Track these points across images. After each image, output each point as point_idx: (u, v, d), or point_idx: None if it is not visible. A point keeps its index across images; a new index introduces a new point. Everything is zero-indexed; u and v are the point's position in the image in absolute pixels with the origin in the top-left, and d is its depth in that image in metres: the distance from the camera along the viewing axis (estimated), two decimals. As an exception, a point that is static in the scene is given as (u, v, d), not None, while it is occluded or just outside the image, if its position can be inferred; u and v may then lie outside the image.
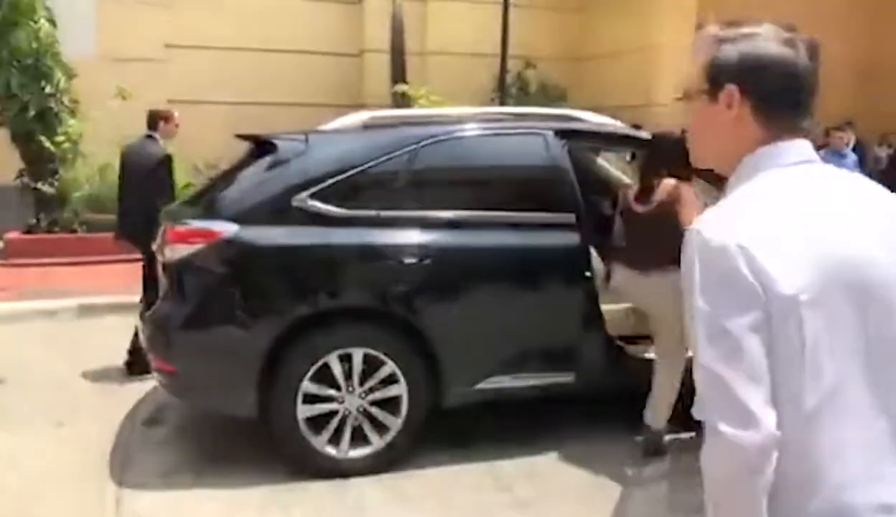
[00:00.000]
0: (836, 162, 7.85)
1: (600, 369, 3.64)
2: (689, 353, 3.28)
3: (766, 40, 1.13)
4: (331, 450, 3.36)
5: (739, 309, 1.01)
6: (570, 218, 3.60)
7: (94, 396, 4.35)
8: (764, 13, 1.23)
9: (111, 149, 6.49)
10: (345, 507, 3.13)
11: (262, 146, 3.64)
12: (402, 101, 8.88)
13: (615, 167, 4.90)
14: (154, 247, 3.69)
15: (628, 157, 4.83)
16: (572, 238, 3.58)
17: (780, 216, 1.05)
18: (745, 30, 1.14)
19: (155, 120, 4.83)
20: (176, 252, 3.28)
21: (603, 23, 11.14)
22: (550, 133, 3.68)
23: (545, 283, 3.59)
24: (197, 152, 9.16)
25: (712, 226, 1.06)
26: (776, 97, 1.13)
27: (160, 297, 3.44)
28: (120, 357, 4.66)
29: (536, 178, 3.70)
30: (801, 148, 1.14)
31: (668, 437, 3.56)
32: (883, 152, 11.31)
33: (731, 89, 1.13)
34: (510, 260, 3.57)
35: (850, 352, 1.03)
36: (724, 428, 1.00)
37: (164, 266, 3.39)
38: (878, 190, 1.16)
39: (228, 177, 3.67)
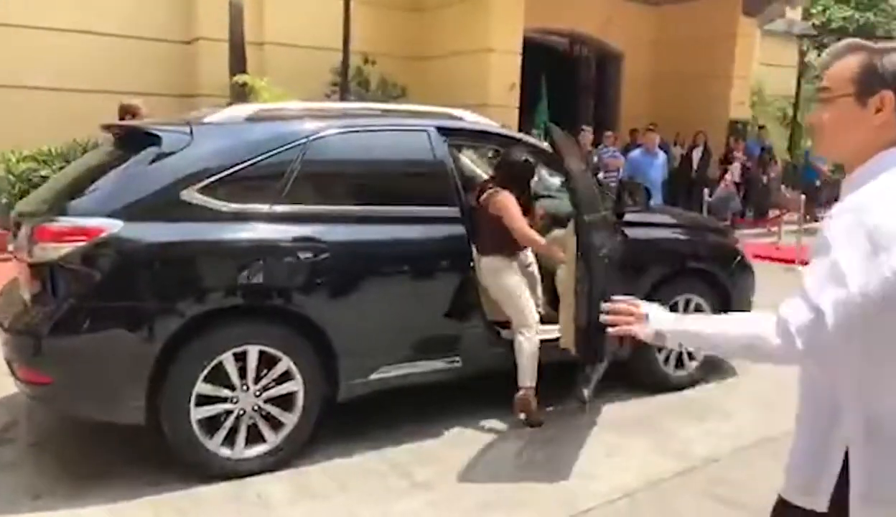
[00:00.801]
0: (649, 160, 8.84)
1: (483, 353, 3.88)
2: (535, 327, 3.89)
3: None
4: (226, 451, 3.27)
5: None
6: (455, 211, 3.79)
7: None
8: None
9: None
10: (250, 506, 3.07)
11: (135, 138, 3.42)
12: (241, 92, 8.57)
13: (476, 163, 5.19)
14: (10, 245, 3.34)
15: (490, 154, 5.13)
16: (456, 230, 3.77)
17: None
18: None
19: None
20: (49, 251, 3.01)
21: (440, 24, 11.50)
22: (434, 130, 3.83)
23: (433, 275, 3.75)
24: (13, 140, 8.24)
25: (877, 206, 1.27)
26: None
27: (28, 302, 3.12)
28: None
29: (422, 173, 3.84)
30: None
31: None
32: (678, 151, 12.85)
33: (886, 95, 1.34)
34: (399, 253, 3.69)
35: None
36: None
37: (32, 267, 3.09)
38: None
39: (99, 169, 3.41)
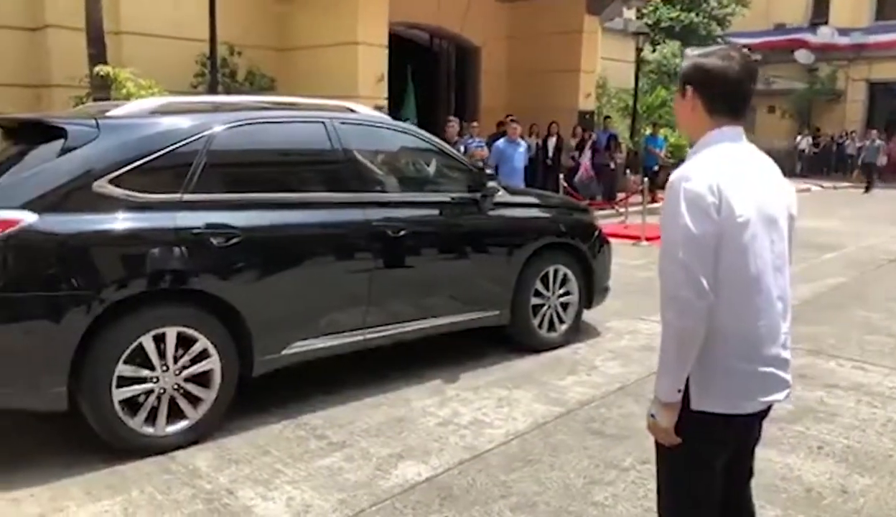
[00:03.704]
0: (513, 148, 9.53)
1: (383, 325, 4.25)
2: None
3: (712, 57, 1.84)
4: (148, 429, 3.42)
5: (706, 225, 1.71)
6: (352, 197, 4.13)
7: None
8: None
9: None
10: (178, 476, 3.26)
11: (35, 130, 3.46)
12: (103, 83, 8.26)
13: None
14: None
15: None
16: (353, 215, 4.10)
17: (733, 170, 1.79)
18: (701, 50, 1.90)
19: None
20: None
21: (307, 16, 11.54)
22: (336, 121, 4.13)
23: (334, 256, 4.07)
24: None
25: (694, 174, 1.76)
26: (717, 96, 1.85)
27: None
28: None
29: (324, 161, 4.12)
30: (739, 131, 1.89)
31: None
32: (533, 140, 13.76)
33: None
34: (303, 236, 3.96)
35: (764, 255, 1.79)
36: (687, 295, 1.71)
37: None
38: (769, 161, 1.94)
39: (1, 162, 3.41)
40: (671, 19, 21.88)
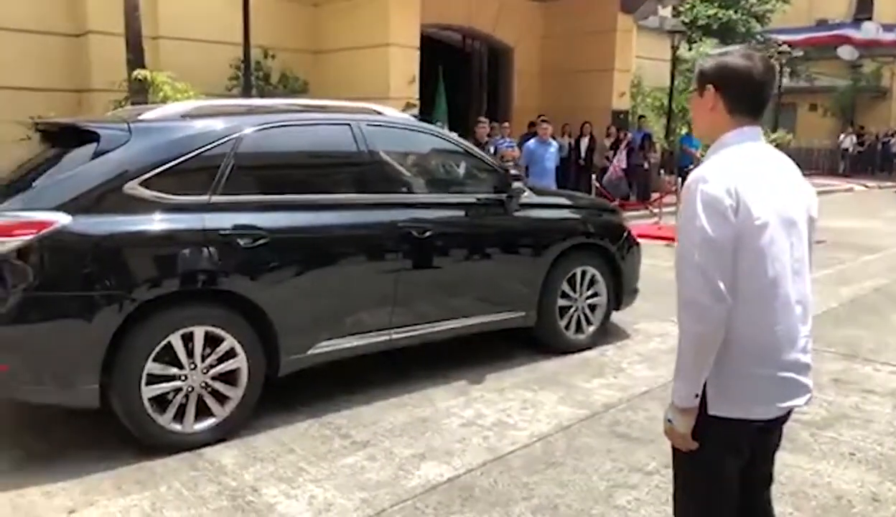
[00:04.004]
0: (544, 148, 9.48)
1: (408, 326, 4.27)
2: None
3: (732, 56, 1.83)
4: (176, 426, 3.50)
5: (723, 228, 1.69)
6: (379, 198, 4.16)
7: None
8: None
9: None
10: (205, 473, 3.32)
11: (70, 135, 3.57)
12: (141, 87, 8.45)
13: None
14: None
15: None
16: (382, 215, 4.14)
17: (751, 171, 1.76)
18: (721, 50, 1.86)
19: None
20: None
21: (339, 18, 11.66)
22: (362, 123, 4.18)
23: (362, 257, 4.11)
24: None
25: (711, 176, 1.73)
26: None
27: None
28: None
29: (351, 163, 4.17)
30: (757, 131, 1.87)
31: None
32: (566, 141, 13.67)
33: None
34: (331, 237, 4.00)
35: (782, 259, 1.75)
36: (704, 299, 1.68)
37: None
38: (786, 159, 1.90)
39: (37, 165, 3.56)
40: (708, 17, 21.50)
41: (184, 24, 10.49)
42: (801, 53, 24.20)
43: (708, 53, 1.90)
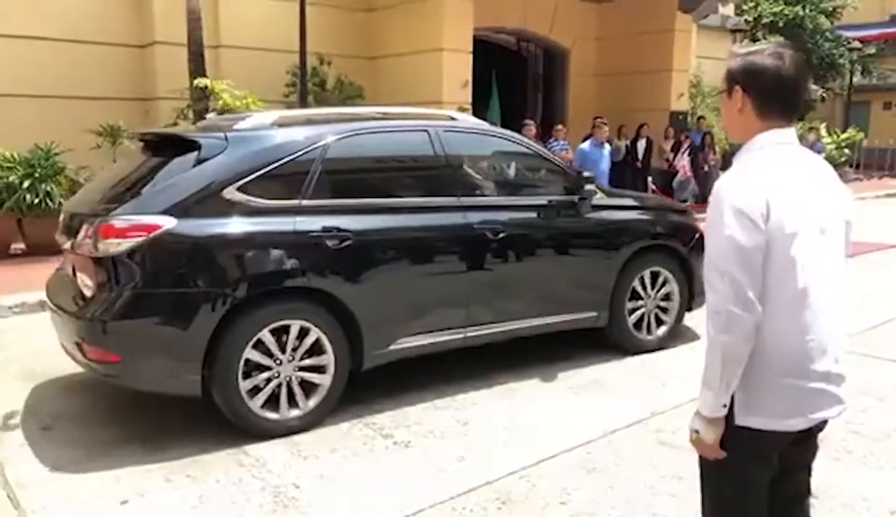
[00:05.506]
0: (598, 150, 9.37)
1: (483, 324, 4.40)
2: None
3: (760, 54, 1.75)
4: (272, 415, 3.72)
5: (752, 236, 1.63)
6: (454, 201, 4.30)
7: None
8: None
9: None
10: (251, 469, 3.42)
11: (171, 144, 3.87)
12: (202, 95, 8.77)
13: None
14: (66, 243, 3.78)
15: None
16: (458, 217, 4.28)
17: (783, 176, 1.70)
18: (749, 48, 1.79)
19: None
20: (113, 246, 3.42)
21: (393, 24, 11.83)
22: (439, 129, 4.33)
23: (441, 257, 4.28)
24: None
25: (740, 181, 1.69)
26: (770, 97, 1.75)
27: (94, 291, 3.50)
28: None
29: (428, 167, 4.33)
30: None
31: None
32: (622, 143, 13.46)
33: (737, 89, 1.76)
34: (413, 238, 4.16)
35: (813, 267, 1.69)
36: (733, 308, 1.64)
37: (97, 260, 3.49)
38: (824, 164, 1.84)
39: (142, 173, 3.86)
40: (774, 14, 20.85)
41: (243, 33, 10.83)
42: (873, 50, 23.18)
43: (736, 51, 1.83)
